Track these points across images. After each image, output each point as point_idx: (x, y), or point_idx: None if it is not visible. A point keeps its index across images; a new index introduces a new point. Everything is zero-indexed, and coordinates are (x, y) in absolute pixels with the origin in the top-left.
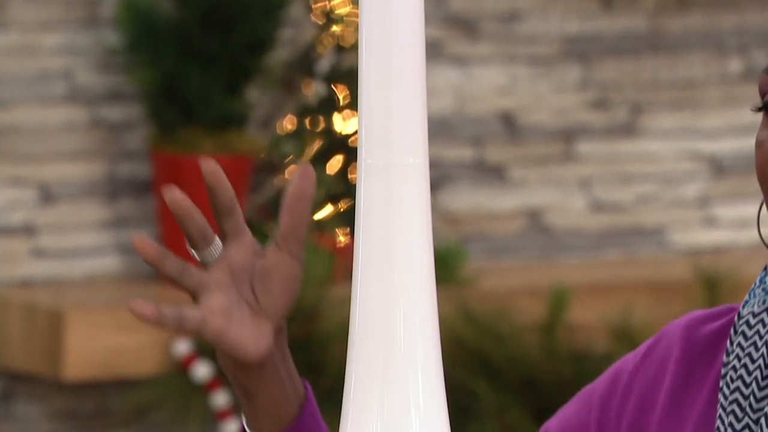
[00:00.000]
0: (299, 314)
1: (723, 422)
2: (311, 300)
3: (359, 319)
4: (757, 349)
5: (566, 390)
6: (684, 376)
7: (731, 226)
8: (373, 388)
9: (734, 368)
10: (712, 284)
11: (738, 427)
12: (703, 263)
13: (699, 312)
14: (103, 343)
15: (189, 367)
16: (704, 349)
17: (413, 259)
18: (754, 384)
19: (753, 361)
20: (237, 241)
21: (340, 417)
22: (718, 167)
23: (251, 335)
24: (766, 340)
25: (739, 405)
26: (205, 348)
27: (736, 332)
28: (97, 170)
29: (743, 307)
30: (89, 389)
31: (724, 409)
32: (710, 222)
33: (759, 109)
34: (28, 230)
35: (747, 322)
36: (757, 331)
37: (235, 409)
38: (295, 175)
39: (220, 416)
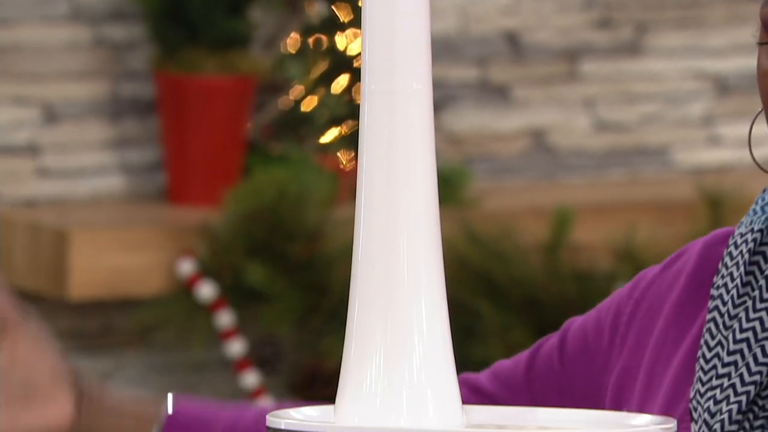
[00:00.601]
0: (303, 235)
1: (705, 339)
2: (315, 221)
3: (362, 244)
4: (737, 268)
5: (569, 309)
6: (692, 291)
7: (735, 145)
8: (377, 314)
9: (717, 287)
10: (716, 203)
11: (712, 344)
12: (707, 182)
13: (723, 230)
14: (107, 263)
15: (193, 287)
16: (715, 267)
17: (416, 187)
18: (729, 303)
19: (732, 280)
20: None
21: (344, 340)
22: (723, 86)
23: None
24: (746, 260)
25: (716, 323)
26: (209, 268)
27: (727, 253)
28: (100, 90)
29: (738, 228)
30: (94, 308)
31: (708, 328)
32: (714, 141)
33: (763, 43)
34: (32, 150)
35: (735, 243)
36: (741, 252)
37: (239, 329)
38: None
39: (225, 336)
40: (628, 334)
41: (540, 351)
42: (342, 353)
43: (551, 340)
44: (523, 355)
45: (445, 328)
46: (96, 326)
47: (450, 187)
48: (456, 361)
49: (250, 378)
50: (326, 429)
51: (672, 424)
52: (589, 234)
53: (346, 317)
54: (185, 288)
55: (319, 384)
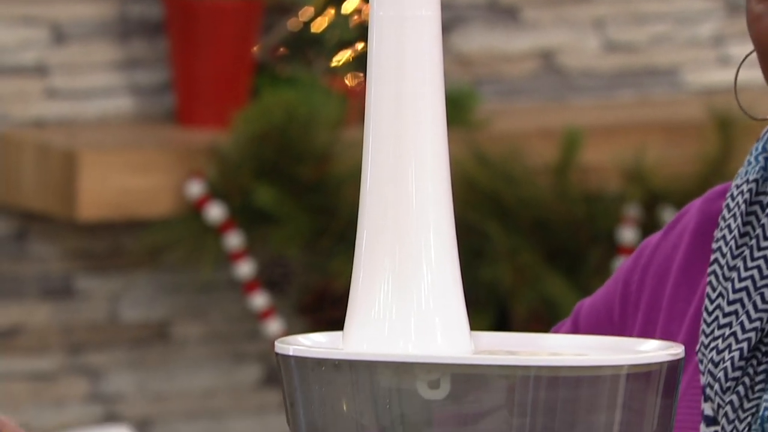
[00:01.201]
0: (312, 157)
1: (707, 292)
2: (324, 142)
3: (371, 171)
4: (735, 220)
5: (578, 231)
6: (697, 248)
7: (745, 64)
8: (385, 241)
9: (717, 240)
10: (726, 124)
11: (713, 296)
12: (717, 103)
13: (721, 186)
14: (116, 184)
15: (202, 209)
16: (717, 222)
17: (425, 114)
18: (728, 254)
19: (730, 232)
20: None
21: (352, 262)
22: (733, 5)
23: None
24: (742, 211)
25: (716, 275)
26: (218, 190)
27: (725, 205)
28: (108, 10)
29: (734, 180)
30: (103, 229)
31: (710, 281)
32: (725, 61)
33: None
34: (40, 70)
35: (732, 195)
36: (737, 203)
37: (248, 250)
38: None
39: (233, 257)
40: (639, 302)
41: None
42: (351, 275)
43: (564, 326)
44: None
45: (453, 255)
46: (105, 247)
47: (459, 108)
48: (465, 282)
49: (259, 299)
50: (335, 355)
51: (679, 349)
52: (599, 155)
53: (354, 239)
54: (194, 209)
55: (327, 305)
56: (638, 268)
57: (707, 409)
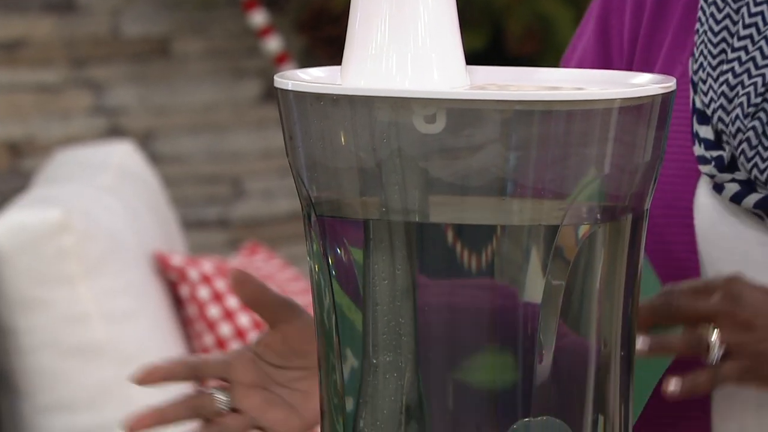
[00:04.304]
0: None
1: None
2: None
3: None
4: None
5: None
6: None
7: None
8: None
9: None
10: None
11: (719, 17)
12: None
13: None
14: None
15: None
16: None
17: None
18: None
19: None
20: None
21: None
22: None
23: (282, 413)
24: None
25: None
26: None
27: None
28: None
29: None
30: None
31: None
32: None
33: None
34: None
35: None
36: None
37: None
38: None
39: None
40: (623, 25)
41: None
42: None
43: None
44: None
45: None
46: None
47: None
48: (459, 2)
49: (258, 17)
50: (333, 90)
51: (671, 83)
52: None
53: None
54: None
55: (325, 22)
56: (613, 4)
57: (706, 132)
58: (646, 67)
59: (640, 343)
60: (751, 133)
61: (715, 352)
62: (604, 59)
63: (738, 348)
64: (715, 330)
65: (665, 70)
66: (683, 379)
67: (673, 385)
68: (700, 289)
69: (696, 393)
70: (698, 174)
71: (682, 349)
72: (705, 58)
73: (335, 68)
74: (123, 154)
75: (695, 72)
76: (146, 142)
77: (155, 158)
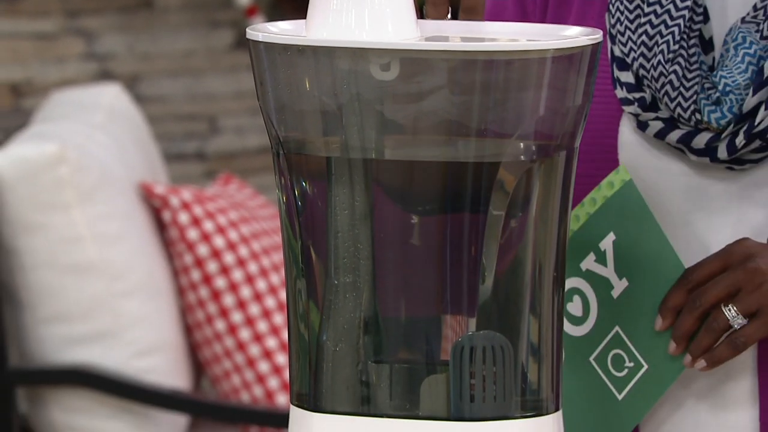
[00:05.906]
0: None
1: None
2: None
3: None
4: None
5: None
6: None
7: None
8: None
9: None
10: None
11: None
12: None
13: None
14: None
15: None
16: None
17: None
18: None
19: None
20: None
21: None
22: None
23: None
24: None
25: None
26: None
27: None
28: None
29: None
30: None
31: None
32: None
33: None
34: None
35: None
36: None
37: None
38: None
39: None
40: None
41: None
42: None
43: None
44: None
45: None
46: None
47: None
48: None
49: None
50: (299, 41)
51: (598, 35)
52: None
53: None
54: None
55: None
56: None
57: (627, 77)
58: (559, 22)
59: (672, 348)
60: (672, 77)
61: (737, 325)
62: (521, 16)
63: (762, 309)
64: (733, 307)
65: (578, 24)
66: (704, 357)
67: (699, 365)
68: (716, 270)
69: (719, 362)
70: (620, 114)
71: (704, 340)
72: (621, 13)
73: (301, 22)
74: (112, 96)
75: (612, 26)
76: (132, 84)
77: (140, 99)
